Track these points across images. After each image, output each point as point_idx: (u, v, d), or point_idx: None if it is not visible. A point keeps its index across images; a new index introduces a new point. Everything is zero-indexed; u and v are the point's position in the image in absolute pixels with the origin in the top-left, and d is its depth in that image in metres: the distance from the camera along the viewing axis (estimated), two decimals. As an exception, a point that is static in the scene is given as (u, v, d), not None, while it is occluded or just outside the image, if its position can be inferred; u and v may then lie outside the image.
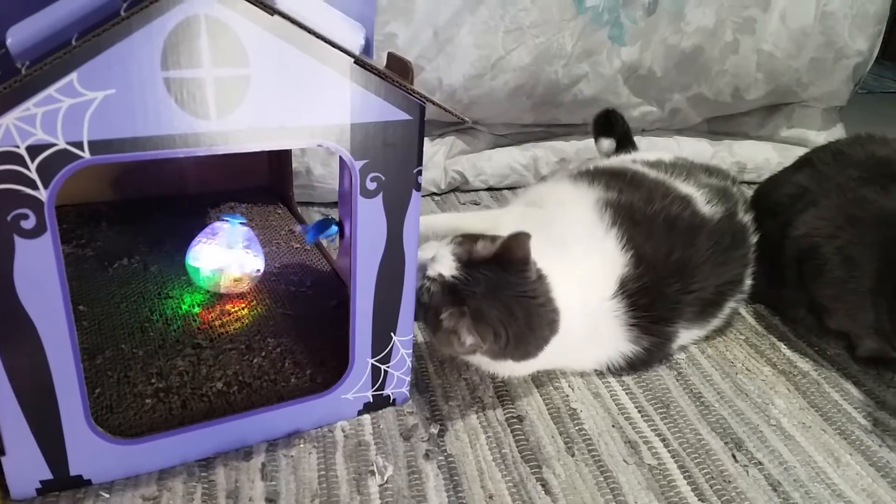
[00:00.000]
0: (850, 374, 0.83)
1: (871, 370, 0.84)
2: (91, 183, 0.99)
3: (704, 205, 0.83)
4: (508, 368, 0.71)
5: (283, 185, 1.06)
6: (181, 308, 0.78)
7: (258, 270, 0.82)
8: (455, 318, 0.65)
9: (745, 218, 0.88)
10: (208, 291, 0.81)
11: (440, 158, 1.24)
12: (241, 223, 0.82)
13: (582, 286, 0.72)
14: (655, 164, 0.91)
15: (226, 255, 0.79)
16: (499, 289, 0.67)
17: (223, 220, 0.81)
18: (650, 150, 1.30)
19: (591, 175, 0.87)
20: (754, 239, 0.89)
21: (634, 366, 0.79)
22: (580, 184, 0.86)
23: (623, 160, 0.97)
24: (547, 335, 0.69)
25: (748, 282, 0.87)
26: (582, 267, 0.73)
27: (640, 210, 0.79)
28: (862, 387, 0.81)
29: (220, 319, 0.77)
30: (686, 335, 0.82)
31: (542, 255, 0.69)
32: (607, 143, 1.11)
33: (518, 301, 0.67)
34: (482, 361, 0.71)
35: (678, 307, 0.77)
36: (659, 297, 0.76)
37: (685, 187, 0.85)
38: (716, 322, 0.85)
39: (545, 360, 0.71)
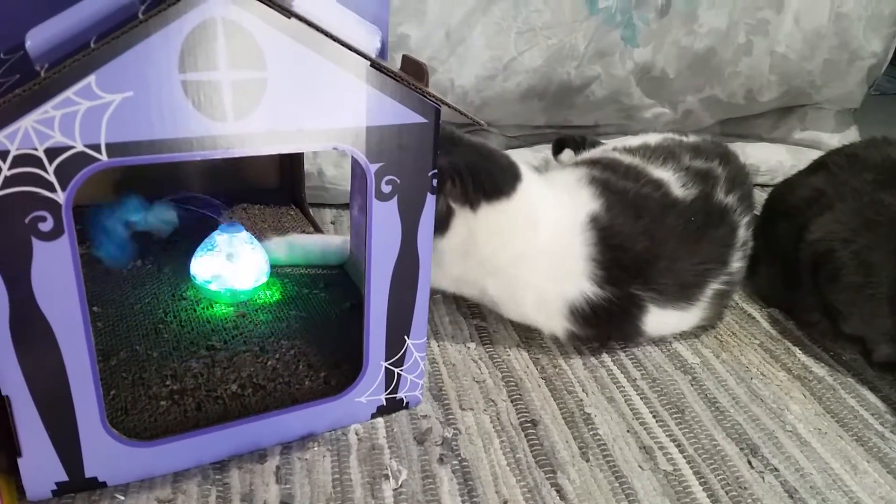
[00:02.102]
0: (866, 379, 0.82)
1: (887, 376, 0.83)
2: (104, 184, 0.99)
3: (679, 188, 0.84)
4: (486, 236, 0.76)
5: (296, 186, 1.06)
6: (195, 310, 0.78)
7: (266, 273, 0.82)
8: None
9: (728, 198, 0.87)
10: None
11: (452, 160, 1.24)
12: (237, 234, 0.80)
13: (555, 202, 0.79)
14: (635, 150, 0.92)
15: (232, 269, 0.79)
16: (447, 152, 0.75)
17: (221, 233, 0.80)
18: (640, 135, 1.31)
19: (576, 164, 0.93)
20: (743, 219, 0.87)
21: (598, 317, 0.79)
22: (566, 168, 0.91)
23: (605, 149, 0.99)
24: (506, 164, 0.77)
25: (736, 264, 0.86)
26: (558, 189, 0.81)
27: (614, 183, 0.83)
28: (878, 392, 0.80)
29: (234, 321, 0.77)
30: (661, 316, 0.82)
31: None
32: (567, 154, 1.15)
33: (465, 148, 0.76)
34: (463, 228, 0.75)
35: (645, 270, 0.79)
36: (626, 243, 0.78)
37: (660, 172, 0.86)
38: (700, 305, 0.84)
39: (517, 244, 0.76)
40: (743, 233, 0.87)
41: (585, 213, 0.79)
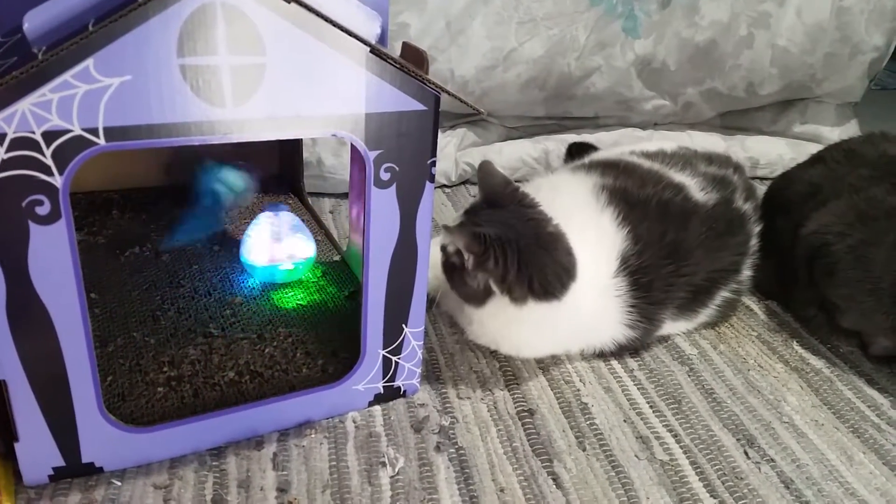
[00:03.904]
0: (863, 371, 0.82)
1: (884, 368, 0.83)
2: (102, 170, 0.99)
3: (698, 192, 0.83)
4: (529, 329, 0.70)
5: (294, 175, 1.06)
6: (193, 297, 0.78)
7: (311, 255, 0.83)
8: (454, 235, 0.66)
9: (745, 206, 0.87)
10: (226, 281, 0.81)
11: (451, 150, 1.24)
12: (285, 212, 0.83)
13: (589, 260, 0.71)
14: (652, 155, 0.90)
15: (278, 247, 0.81)
16: (501, 217, 0.69)
17: (267, 211, 0.83)
18: (654, 140, 1.30)
19: (588, 166, 0.88)
20: (756, 228, 0.87)
21: (619, 354, 0.79)
22: (577, 173, 0.87)
23: (621, 152, 0.96)
24: (566, 263, 0.68)
25: (747, 272, 0.86)
26: (585, 240, 0.72)
27: (633, 194, 0.79)
28: (875, 385, 0.80)
29: (232, 308, 0.76)
30: (670, 325, 0.82)
31: None
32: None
33: (524, 222, 0.69)
34: (502, 314, 0.69)
35: (671, 291, 0.77)
36: (657, 277, 0.75)
37: (679, 176, 0.85)
38: (707, 312, 0.84)
39: (559, 334, 0.72)
40: (754, 242, 0.87)
41: (616, 254, 0.74)
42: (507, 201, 0.71)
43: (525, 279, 0.66)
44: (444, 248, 0.71)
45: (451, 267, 0.71)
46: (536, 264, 0.67)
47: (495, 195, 0.71)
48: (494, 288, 0.67)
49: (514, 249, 0.66)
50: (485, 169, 0.73)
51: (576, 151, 1.14)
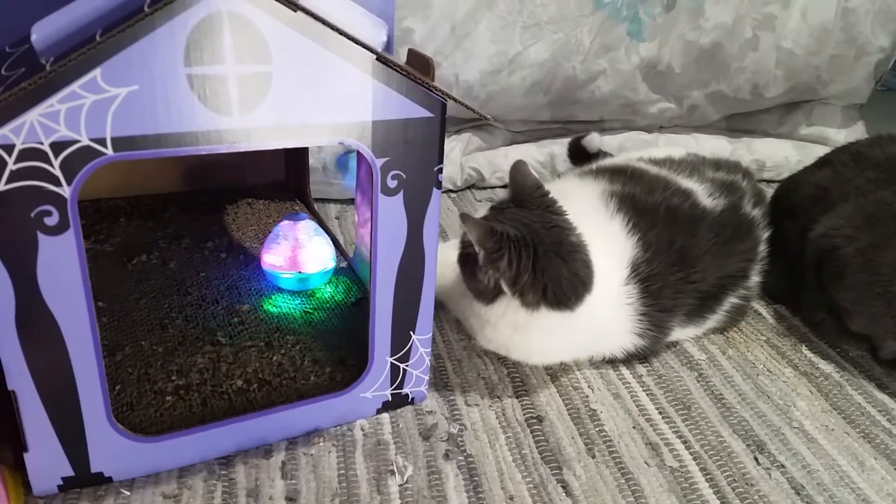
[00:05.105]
0: (873, 376, 0.82)
1: (894, 372, 0.83)
2: (109, 179, 0.99)
3: (706, 198, 0.82)
4: (540, 336, 0.70)
5: (300, 181, 1.06)
6: (200, 305, 0.78)
7: (332, 259, 0.84)
8: (469, 224, 0.66)
9: (753, 211, 0.86)
10: (237, 289, 0.81)
11: (456, 155, 1.24)
12: (304, 220, 0.83)
13: (601, 268, 0.70)
14: (660, 162, 0.90)
15: (300, 254, 0.81)
16: (526, 219, 0.68)
17: (287, 220, 0.83)
18: (662, 147, 1.29)
19: (595, 172, 0.88)
20: (764, 234, 0.87)
21: (628, 361, 0.79)
22: (585, 179, 0.86)
23: (628, 158, 0.96)
24: (583, 275, 0.67)
25: (755, 278, 0.86)
26: (596, 248, 0.71)
27: (642, 200, 0.79)
28: (886, 389, 0.80)
29: (240, 316, 0.76)
30: (679, 331, 0.82)
31: None
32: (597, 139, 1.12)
33: (547, 228, 0.68)
34: (512, 317, 0.68)
35: (680, 298, 0.77)
36: (666, 284, 0.75)
37: (686, 182, 0.84)
38: (715, 318, 0.83)
39: (570, 342, 0.72)
40: (763, 248, 0.86)
41: (626, 262, 0.73)
42: (534, 205, 0.70)
43: (539, 286, 0.66)
44: (463, 238, 0.71)
45: (466, 258, 0.70)
46: (553, 272, 0.66)
47: (524, 196, 0.71)
48: (505, 289, 0.67)
49: (531, 254, 0.66)
50: (517, 168, 0.73)
51: (576, 149, 1.14)
